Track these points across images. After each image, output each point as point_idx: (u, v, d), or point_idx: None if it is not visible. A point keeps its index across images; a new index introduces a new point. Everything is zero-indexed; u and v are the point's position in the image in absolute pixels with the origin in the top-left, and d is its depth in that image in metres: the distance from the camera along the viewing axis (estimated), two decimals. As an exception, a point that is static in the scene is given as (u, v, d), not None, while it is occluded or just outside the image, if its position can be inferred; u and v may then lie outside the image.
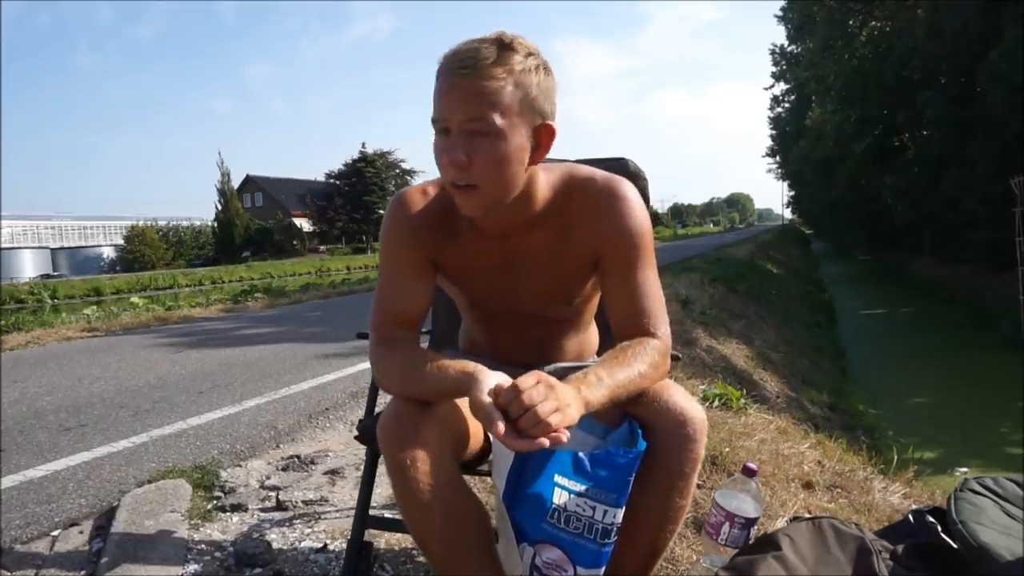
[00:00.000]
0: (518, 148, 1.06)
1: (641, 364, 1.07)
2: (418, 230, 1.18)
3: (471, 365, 1.03)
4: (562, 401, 0.93)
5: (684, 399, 1.08)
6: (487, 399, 0.95)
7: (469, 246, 1.19)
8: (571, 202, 1.16)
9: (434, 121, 1.06)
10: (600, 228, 1.15)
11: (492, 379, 1.00)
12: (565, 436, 0.92)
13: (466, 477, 1.15)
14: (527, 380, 0.95)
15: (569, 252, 1.18)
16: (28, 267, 35.06)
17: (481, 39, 1.04)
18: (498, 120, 1.02)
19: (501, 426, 0.92)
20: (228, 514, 2.13)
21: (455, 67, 1.02)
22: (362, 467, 1.55)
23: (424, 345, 1.34)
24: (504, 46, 1.03)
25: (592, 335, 1.41)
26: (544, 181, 1.15)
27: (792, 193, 50.00)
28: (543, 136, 1.08)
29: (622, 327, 1.15)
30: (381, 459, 1.55)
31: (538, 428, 0.91)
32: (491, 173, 1.05)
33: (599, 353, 1.43)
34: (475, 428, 1.17)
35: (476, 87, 1.01)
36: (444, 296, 1.39)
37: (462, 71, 1.02)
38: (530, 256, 1.19)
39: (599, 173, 1.19)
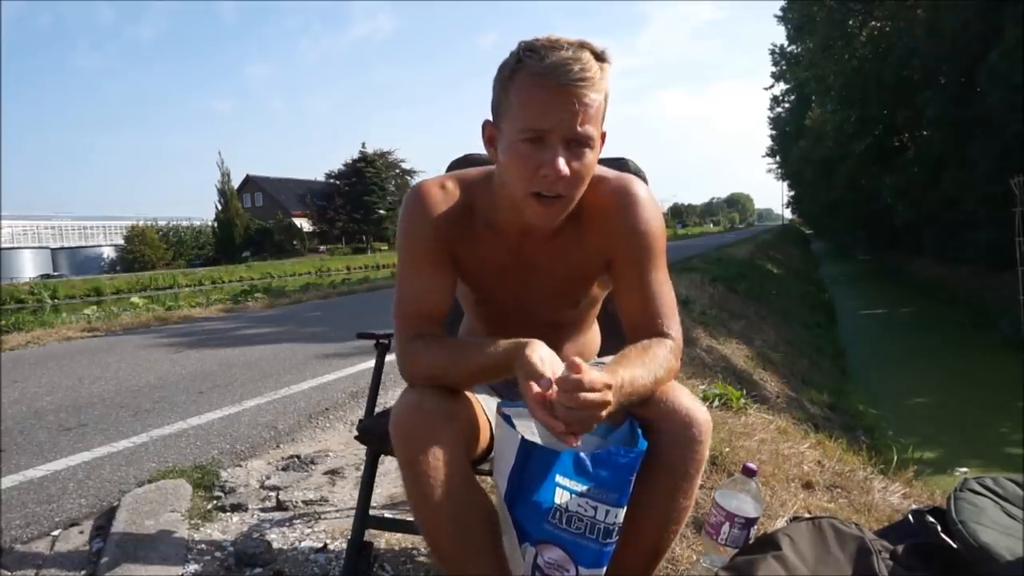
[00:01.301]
0: (597, 156, 1.09)
1: (658, 368, 1.07)
2: (438, 225, 1.16)
3: (524, 339, 1.05)
4: (605, 416, 0.96)
5: (689, 400, 1.08)
6: (537, 361, 1.00)
7: (485, 244, 1.19)
8: (585, 201, 1.15)
9: (528, 130, 1.02)
10: (613, 228, 1.15)
11: (544, 348, 1.03)
12: (576, 443, 0.95)
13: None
14: (597, 382, 0.94)
15: (582, 252, 1.18)
16: (28, 267, 35.07)
17: (570, 44, 1.01)
18: (594, 131, 1.04)
19: (547, 389, 0.95)
20: (228, 514, 2.13)
21: (564, 77, 0.99)
22: (362, 467, 1.55)
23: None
24: (599, 57, 1.03)
25: (594, 336, 1.42)
26: None
27: (792, 193, 50.00)
28: (602, 141, 1.11)
29: (635, 328, 1.15)
30: (381, 459, 1.56)
31: (576, 427, 0.94)
32: (579, 183, 1.08)
33: (600, 355, 1.43)
34: (482, 427, 1.17)
35: (585, 99, 1.01)
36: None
37: (576, 82, 1.00)
38: (544, 256, 1.19)
39: (612, 173, 1.19)
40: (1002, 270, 11.78)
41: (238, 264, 35.05)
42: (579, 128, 1.02)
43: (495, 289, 1.24)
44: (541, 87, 1.01)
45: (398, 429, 1.04)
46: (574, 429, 0.94)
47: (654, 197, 1.19)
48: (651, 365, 1.06)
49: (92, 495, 2.33)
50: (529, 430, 1.06)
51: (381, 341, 1.72)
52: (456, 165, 1.58)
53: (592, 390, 0.93)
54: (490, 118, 1.12)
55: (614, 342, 1.18)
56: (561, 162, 1.02)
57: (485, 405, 1.20)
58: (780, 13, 23.61)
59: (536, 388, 0.95)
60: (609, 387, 0.95)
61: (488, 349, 1.06)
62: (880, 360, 10.07)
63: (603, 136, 1.11)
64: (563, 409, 0.93)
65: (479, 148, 1.20)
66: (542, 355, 1.02)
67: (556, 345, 1.31)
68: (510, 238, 1.18)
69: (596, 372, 0.96)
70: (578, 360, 0.96)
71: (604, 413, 0.95)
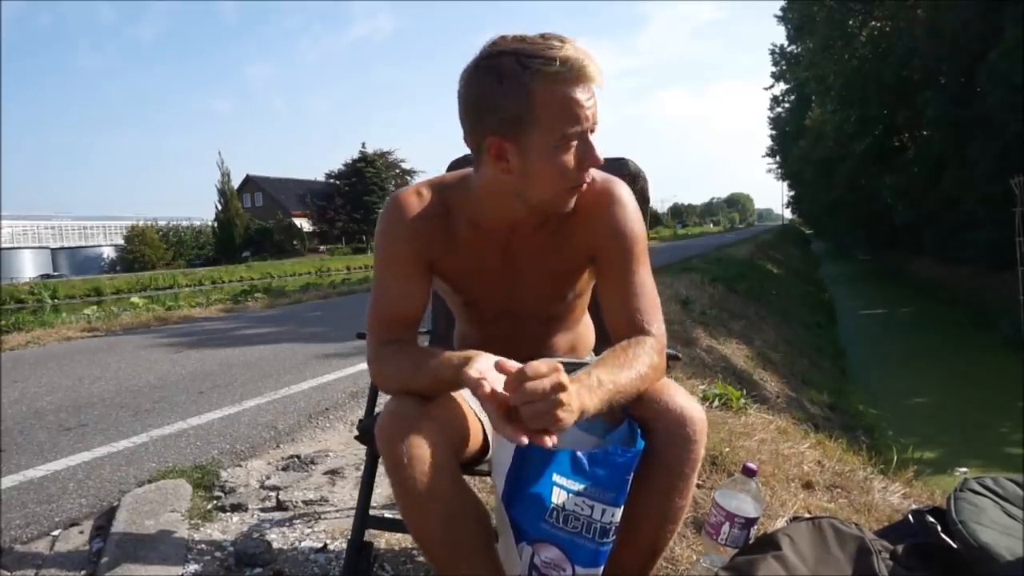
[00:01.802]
0: None
1: (641, 366, 1.06)
2: (415, 231, 1.17)
3: (472, 351, 1.04)
4: (566, 403, 0.91)
5: (684, 399, 1.08)
6: (474, 373, 0.96)
7: (468, 246, 1.19)
8: None
9: (570, 135, 1.04)
10: (595, 229, 1.17)
11: (487, 359, 1.01)
12: (551, 442, 0.91)
13: (465, 477, 1.15)
14: (539, 367, 0.92)
15: (566, 250, 1.20)
16: (28, 267, 35.08)
17: (564, 40, 1.03)
18: None
19: (487, 387, 0.93)
20: (228, 514, 2.13)
21: (591, 75, 1.03)
22: (362, 467, 1.55)
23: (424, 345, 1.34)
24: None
25: (587, 330, 1.42)
26: None
27: (792, 193, 50.03)
28: None
29: (617, 326, 1.16)
30: (381, 459, 1.56)
31: (540, 422, 0.90)
32: None
33: (596, 350, 1.43)
34: (475, 428, 1.17)
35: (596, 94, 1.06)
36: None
37: (598, 76, 1.03)
38: (528, 254, 1.20)
39: (596, 174, 1.19)
40: (1002, 270, 11.78)
41: (238, 264, 35.05)
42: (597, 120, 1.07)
43: (482, 289, 1.25)
44: (572, 89, 1.02)
45: (381, 435, 1.04)
46: (539, 425, 0.91)
47: (635, 201, 1.21)
48: (633, 363, 1.05)
49: (92, 495, 2.33)
50: None
51: (381, 341, 1.72)
52: (456, 165, 1.58)
53: (537, 376, 0.91)
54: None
55: (610, 341, 1.18)
56: (599, 153, 1.08)
57: (478, 406, 1.20)
58: (780, 13, 23.62)
59: (491, 399, 0.93)
60: (556, 369, 0.92)
61: (441, 364, 1.05)
62: (880, 360, 10.07)
63: None
64: (522, 409, 0.91)
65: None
66: (480, 367, 0.99)
67: (548, 339, 1.33)
68: (497, 237, 1.19)
69: (538, 361, 0.94)
70: (509, 362, 0.96)
71: (567, 400, 0.91)
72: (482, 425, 1.21)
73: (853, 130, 20.72)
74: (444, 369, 1.04)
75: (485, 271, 1.22)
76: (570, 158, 1.06)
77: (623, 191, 1.19)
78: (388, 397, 1.13)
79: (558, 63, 1.00)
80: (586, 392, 0.97)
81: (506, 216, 1.16)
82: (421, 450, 1.01)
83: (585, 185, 1.11)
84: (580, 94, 1.02)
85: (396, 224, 1.18)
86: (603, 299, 1.20)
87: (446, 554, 1.04)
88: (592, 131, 1.07)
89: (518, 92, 1.01)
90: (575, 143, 1.05)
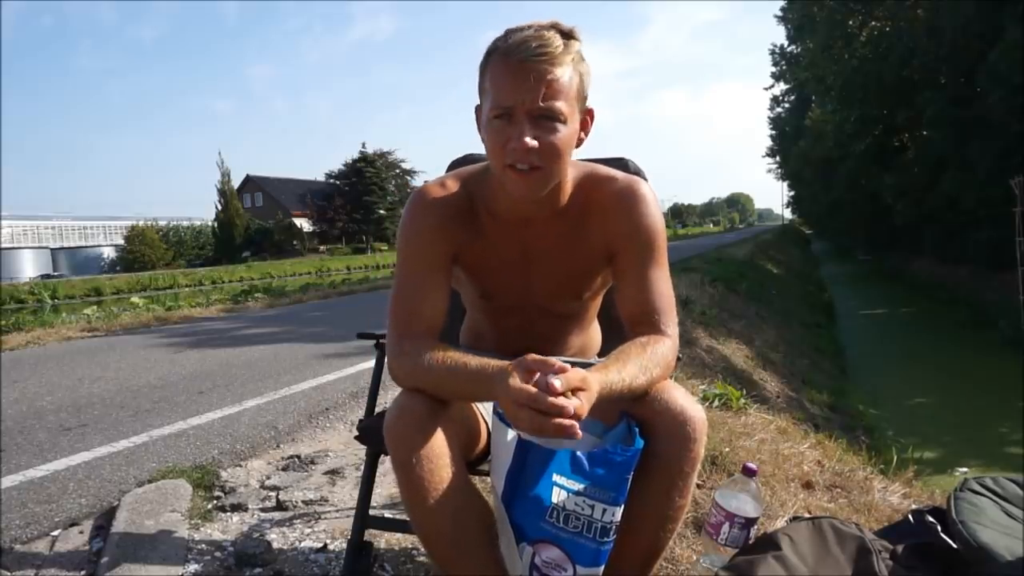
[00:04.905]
0: (574, 133, 1.11)
1: (655, 367, 1.07)
2: (441, 224, 1.18)
3: (506, 363, 1.01)
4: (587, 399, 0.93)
5: (684, 398, 1.08)
6: (521, 384, 0.94)
7: (490, 237, 1.20)
8: (591, 197, 1.18)
9: (496, 107, 1.06)
10: (616, 225, 1.17)
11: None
12: (579, 435, 0.92)
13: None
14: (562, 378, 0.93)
15: (584, 245, 1.20)
16: (28, 267, 35.10)
17: (540, 25, 1.06)
18: (564, 106, 1.06)
19: (557, 384, 0.92)
20: (228, 514, 2.13)
21: (526, 53, 1.03)
22: (362, 467, 1.55)
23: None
24: (566, 35, 1.06)
25: (596, 333, 1.42)
26: (567, 175, 1.17)
27: (792, 193, 50.08)
28: (588, 120, 1.14)
29: (633, 323, 1.16)
30: (381, 459, 1.56)
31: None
32: (554, 156, 1.09)
33: (601, 353, 1.43)
34: (480, 427, 1.17)
35: (548, 73, 1.04)
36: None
37: (535, 57, 1.03)
38: (547, 247, 1.21)
39: (620, 173, 1.22)
40: (1002, 270, 11.79)
41: (238, 264, 35.06)
42: (542, 103, 1.04)
43: (500, 281, 1.25)
44: (506, 65, 1.05)
45: (390, 433, 1.04)
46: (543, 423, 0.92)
47: (657, 200, 1.22)
48: (648, 363, 1.06)
49: (92, 495, 2.33)
50: None
51: (381, 341, 1.71)
52: (456, 165, 1.58)
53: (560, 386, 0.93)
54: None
55: (616, 344, 1.17)
56: (527, 136, 1.05)
57: (482, 405, 1.20)
58: (780, 13, 23.61)
59: (557, 384, 0.92)
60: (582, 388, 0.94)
61: (472, 373, 1.03)
62: (880, 360, 10.08)
63: (590, 113, 1.14)
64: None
65: (479, 148, 1.21)
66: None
67: (560, 337, 1.33)
68: (514, 228, 1.20)
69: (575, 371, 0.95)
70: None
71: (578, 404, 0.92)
72: (486, 425, 1.21)
73: (853, 130, 20.75)
74: (473, 382, 1.02)
75: (503, 262, 1.22)
76: (501, 133, 1.06)
77: (645, 189, 1.19)
78: (390, 397, 1.13)
79: (504, 41, 1.05)
80: (598, 382, 0.98)
81: (517, 207, 1.17)
82: (430, 447, 1.01)
83: (533, 170, 1.07)
84: (512, 74, 1.04)
85: (421, 216, 1.19)
86: (620, 295, 1.20)
87: (451, 552, 1.05)
88: (536, 115, 1.05)
89: (481, 65, 1.10)
90: (505, 120, 1.06)
